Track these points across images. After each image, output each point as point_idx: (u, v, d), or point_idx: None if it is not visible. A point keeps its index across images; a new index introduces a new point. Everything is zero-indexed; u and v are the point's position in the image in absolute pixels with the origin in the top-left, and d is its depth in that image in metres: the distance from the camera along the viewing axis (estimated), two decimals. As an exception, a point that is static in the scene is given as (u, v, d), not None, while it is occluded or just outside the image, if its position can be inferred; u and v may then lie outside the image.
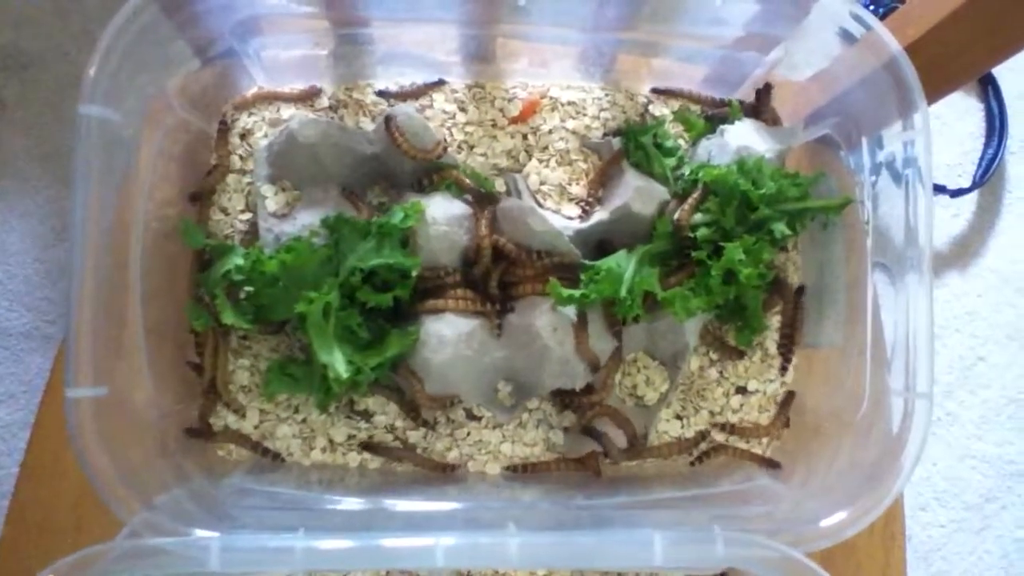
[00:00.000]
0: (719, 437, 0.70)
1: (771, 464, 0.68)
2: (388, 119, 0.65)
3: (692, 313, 0.63)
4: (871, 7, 1.41)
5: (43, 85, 1.38)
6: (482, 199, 0.66)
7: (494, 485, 0.66)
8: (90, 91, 0.54)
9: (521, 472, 0.67)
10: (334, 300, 0.60)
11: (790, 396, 0.70)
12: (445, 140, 0.69)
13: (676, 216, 0.65)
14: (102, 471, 0.53)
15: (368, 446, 0.67)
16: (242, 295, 0.63)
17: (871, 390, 0.62)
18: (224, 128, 0.69)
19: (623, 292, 0.62)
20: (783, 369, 0.70)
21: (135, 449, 0.57)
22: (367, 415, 0.67)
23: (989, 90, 1.38)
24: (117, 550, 0.50)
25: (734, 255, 0.62)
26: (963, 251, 1.44)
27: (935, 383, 0.58)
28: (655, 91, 0.73)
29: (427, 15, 0.66)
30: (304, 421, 0.67)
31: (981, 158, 1.40)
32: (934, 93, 0.70)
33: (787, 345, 0.70)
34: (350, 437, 0.67)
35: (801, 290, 0.70)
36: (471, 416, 0.68)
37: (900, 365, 0.59)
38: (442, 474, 0.66)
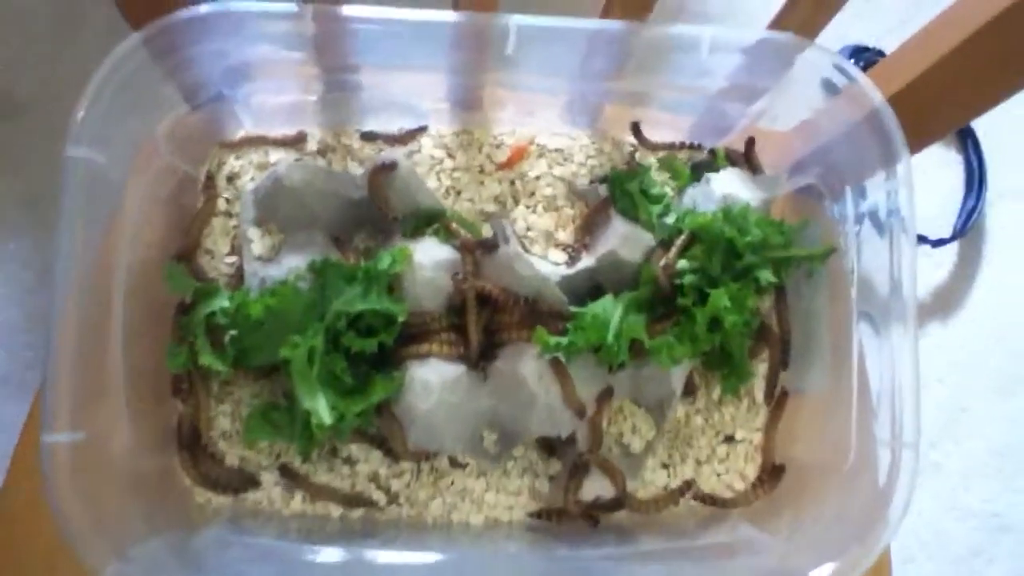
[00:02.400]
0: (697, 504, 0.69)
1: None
2: (376, 170, 0.65)
3: (678, 361, 0.63)
4: (853, 60, 1.43)
5: (32, 130, 1.38)
6: (470, 245, 0.66)
7: (477, 536, 0.65)
8: (77, 134, 0.54)
9: (546, 519, 0.65)
10: (319, 345, 0.60)
11: (778, 470, 0.69)
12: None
13: (662, 263, 0.65)
14: (75, 519, 0.51)
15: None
16: (226, 339, 0.63)
17: (857, 440, 0.62)
18: (211, 172, 0.69)
19: (610, 338, 0.61)
20: (773, 416, 0.70)
21: (110, 497, 0.56)
22: (351, 462, 0.66)
23: (968, 142, 1.41)
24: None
25: (719, 302, 0.62)
26: (945, 301, 1.45)
27: (920, 434, 0.58)
28: (636, 134, 0.74)
29: (416, 63, 0.67)
30: (288, 478, 0.66)
31: (961, 209, 1.42)
32: (916, 144, 0.70)
33: (773, 391, 0.70)
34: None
35: (785, 341, 0.70)
36: (455, 464, 0.67)
37: (886, 415, 0.59)
38: (366, 507, 0.65)
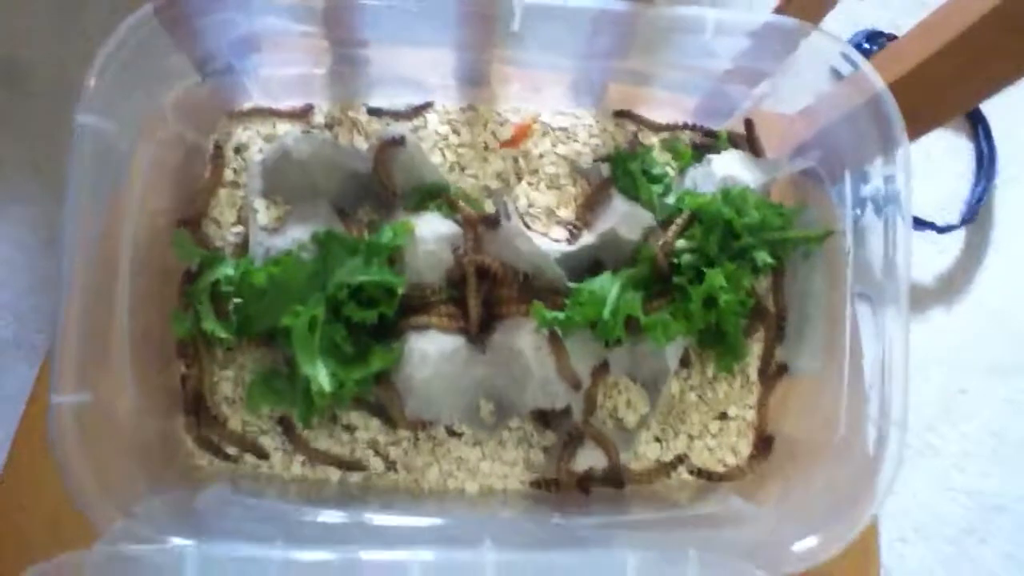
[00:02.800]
0: (689, 477, 0.70)
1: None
2: (383, 146, 0.65)
3: (672, 338, 0.64)
4: (865, 45, 1.43)
5: (38, 97, 1.39)
6: (472, 220, 0.67)
7: (472, 503, 0.66)
8: (87, 101, 0.55)
9: (545, 488, 0.67)
10: (320, 314, 0.61)
11: (768, 441, 0.70)
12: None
13: (660, 242, 0.66)
14: (81, 478, 0.53)
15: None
16: (230, 306, 0.64)
17: (847, 417, 0.63)
18: (218, 142, 0.70)
19: (606, 314, 0.62)
20: (765, 390, 0.71)
21: (115, 458, 0.57)
22: (350, 429, 0.67)
23: (979, 128, 1.41)
24: (93, 556, 0.50)
25: (715, 281, 0.63)
26: (949, 287, 1.45)
27: (917, 415, 0.59)
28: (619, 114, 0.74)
29: (423, 39, 0.67)
30: (286, 433, 0.67)
31: (970, 195, 1.42)
32: (922, 128, 0.71)
33: (767, 370, 0.71)
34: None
35: (781, 323, 0.71)
36: (452, 433, 0.68)
37: (876, 394, 0.60)
38: (362, 471, 0.67)
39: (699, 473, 0.69)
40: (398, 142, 0.66)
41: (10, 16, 1.42)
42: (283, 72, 0.70)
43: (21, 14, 1.42)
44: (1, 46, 1.40)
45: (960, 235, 1.45)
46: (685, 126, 0.74)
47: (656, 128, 0.74)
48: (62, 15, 1.42)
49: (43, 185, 1.38)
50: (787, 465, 0.68)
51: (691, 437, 0.70)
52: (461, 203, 0.68)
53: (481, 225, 0.66)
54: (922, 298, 1.42)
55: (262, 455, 0.67)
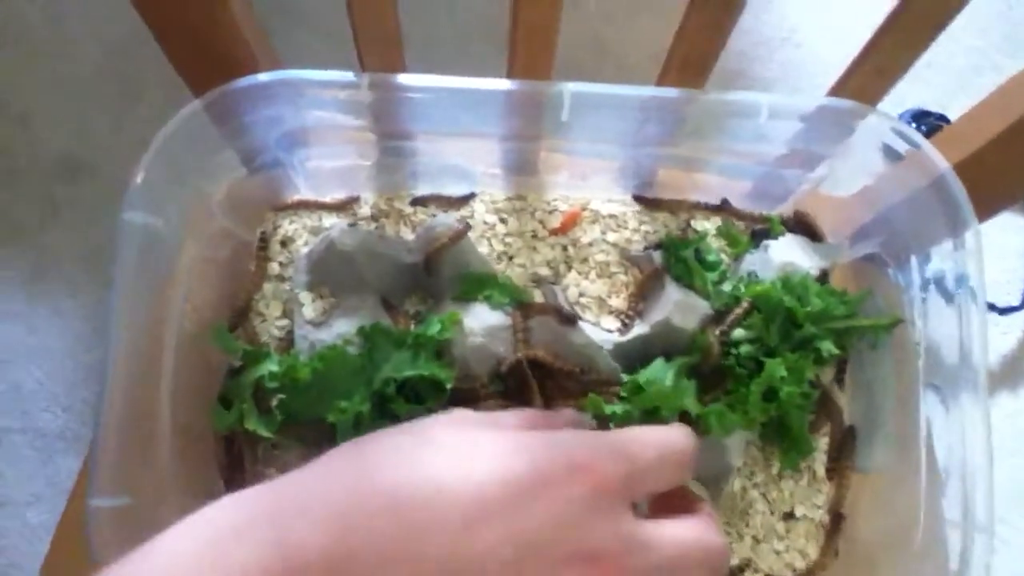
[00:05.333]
0: None
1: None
2: (451, 238, 0.65)
3: (729, 430, 0.61)
4: (913, 124, 1.42)
5: (94, 190, 1.43)
6: (522, 309, 0.65)
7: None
8: (134, 198, 0.55)
9: None
10: (366, 410, 0.59)
11: (838, 519, 0.66)
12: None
13: (717, 331, 0.63)
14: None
15: None
16: (274, 402, 0.62)
17: (925, 520, 0.59)
18: (264, 235, 0.70)
19: (664, 409, 0.59)
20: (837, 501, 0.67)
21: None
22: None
23: (1036, 207, 1.37)
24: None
25: (776, 372, 0.60)
26: (1014, 370, 1.40)
27: (994, 515, 0.55)
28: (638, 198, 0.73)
29: (471, 130, 0.67)
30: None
31: (1030, 275, 1.38)
32: (982, 213, 0.68)
33: (835, 469, 0.67)
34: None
35: (850, 429, 0.67)
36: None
37: (956, 494, 0.56)
38: None
39: (767, 579, 0.65)
40: (461, 234, 0.65)
41: (69, 110, 1.47)
42: (329, 164, 0.69)
43: (80, 108, 1.47)
44: (61, 140, 1.44)
45: (1022, 316, 1.40)
46: (737, 213, 0.72)
47: (707, 213, 0.72)
48: (120, 108, 1.46)
49: (97, 277, 1.40)
50: (863, 570, 0.63)
51: (756, 540, 0.66)
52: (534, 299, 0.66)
53: (554, 318, 0.64)
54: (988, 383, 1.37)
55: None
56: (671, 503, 0.48)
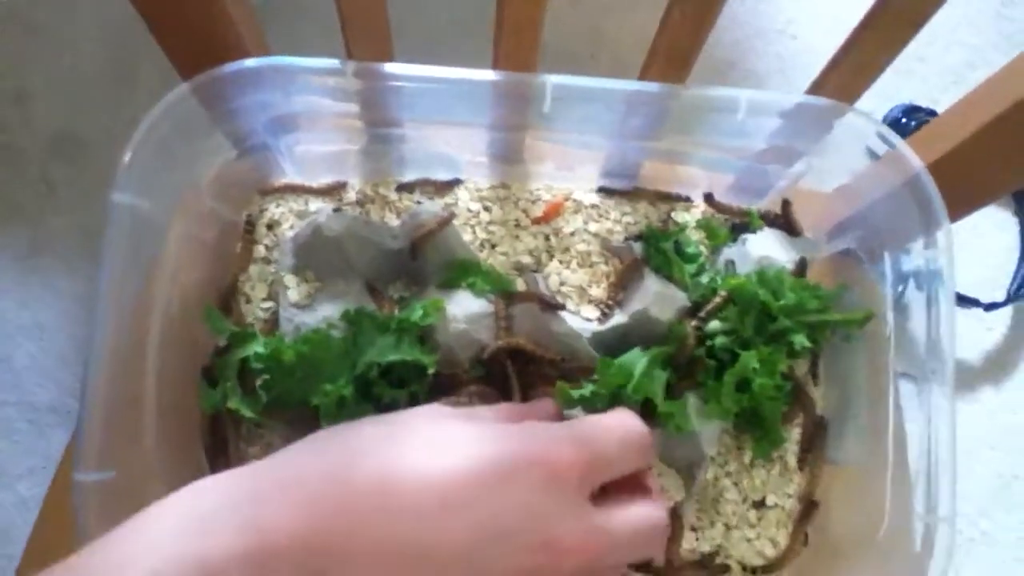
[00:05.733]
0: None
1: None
2: (435, 225, 0.66)
3: (686, 428, 0.62)
4: (903, 120, 1.42)
5: (90, 169, 1.43)
6: (505, 297, 0.66)
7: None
8: (123, 179, 0.56)
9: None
10: (349, 393, 0.60)
11: (811, 507, 0.68)
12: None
13: (693, 323, 0.64)
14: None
15: None
16: (258, 383, 0.63)
17: (892, 511, 0.60)
18: (251, 218, 0.71)
19: (629, 389, 0.60)
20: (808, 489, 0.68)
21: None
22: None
23: (1024, 204, 1.38)
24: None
25: (749, 363, 0.61)
26: (997, 366, 1.41)
27: (969, 501, 0.56)
28: (708, 201, 0.74)
29: (457, 118, 0.68)
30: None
31: (1016, 272, 1.39)
32: (961, 210, 0.70)
33: (806, 460, 0.68)
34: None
35: (821, 421, 0.68)
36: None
37: (922, 486, 0.58)
38: None
39: (741, 568, 0.66)
40: (446, 221, 0.66)
41: (67, 90, 1.47)
42: (317, 150, 0.70)
43: (77, 88, 1.47)
44: (59, 120, 1.45)
45: (1007, 312, 1.41)
46: (717, 205, 0.73)
47: (688, 206, 0.74)
48: (117, 89, 1.47)
49: (92, 256, 1.41)
50: (830, 561, 0.65)
51: (727, 527, 0.68)
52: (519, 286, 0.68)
53: (538, 306, 0.65)
54: (970, 378, 1.39)
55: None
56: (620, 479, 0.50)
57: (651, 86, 0.61)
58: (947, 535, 0.55)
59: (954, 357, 0.59)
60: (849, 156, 0.65)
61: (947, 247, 0.60)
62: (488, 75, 0.60)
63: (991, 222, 1.44)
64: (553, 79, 0.60)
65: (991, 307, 1.35)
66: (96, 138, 1.43)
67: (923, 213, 0.61)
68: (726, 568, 0.67)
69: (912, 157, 0.61)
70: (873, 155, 0.64)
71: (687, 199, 0.74)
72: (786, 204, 0.72)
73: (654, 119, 0.66)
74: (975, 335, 1.40)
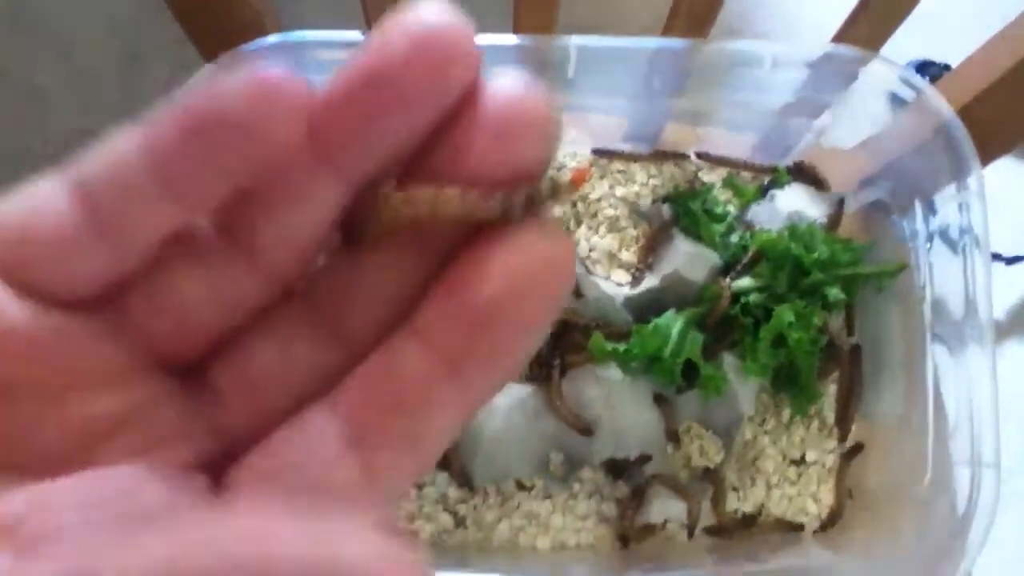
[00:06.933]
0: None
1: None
2: None
3: (725, 391, 0.62)
4: (919, 75, 1.41)
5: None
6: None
7: (544, 559, 0.64)
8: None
9: (621, 544, 0.65)
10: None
11: (855, 450, 0.67)
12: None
13: (726, 281, 0.64)
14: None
15: None
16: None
17: (934, 462, 0.60)
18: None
19: (667, 353, 0.60)
20: (841, 440, 0.68)
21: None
22: (417, 485, 0.66)
23: (1045, 155, 1.37)
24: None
25: (784, 318, 0.61)
26: (1021, 320, 1.40)
27: (1000, 455, 0.56)
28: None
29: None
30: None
31: (1038, 225, 1.38)
32: (991, 154, 0.69)
33: (844, 415, 0.68)
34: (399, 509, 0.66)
35: (856, 353, 0.68)
36: (521, 487, 0.66)
37: (964, 435, 0.57)
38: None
39: (780, 524, 0.66)
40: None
41: (78, 88, 1.47)
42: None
43: (89, 86, 1.47)
44: (71, 119, 1.45)
45: (1030, 266, 1.40)
46: (744, 164, 0.73)
47: (725, 165, 0.73)
48: (127, 83, 1.47)
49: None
50: (871, 515, 0.65)
51: (769, 486, 0.67)
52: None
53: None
54: (995, 333, 1.38)
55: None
56: None
57: (676, 42, 0.61)
58: (993, 480, 0.55)
59: (991, 311, 0.58)
60: (875, 106, 0.64)
61: (979, 193, 0.59)
62: (511, 39, 0.60)
63: (1012, 174, 1.43)
64: (576, 40, 0.60)
65: (1013, 261, 1.34)
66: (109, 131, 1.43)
67: (953, 160, 0.60)
68: (800, 526, 0.67)
69: (940, 101, 0.60)
70: (899, 103, 0.63)
71: (712, 157, 0.73)
72: (805, 165, 0.71)
73: (677, 77, 0.65)
74: (998, 289, 1.38)
